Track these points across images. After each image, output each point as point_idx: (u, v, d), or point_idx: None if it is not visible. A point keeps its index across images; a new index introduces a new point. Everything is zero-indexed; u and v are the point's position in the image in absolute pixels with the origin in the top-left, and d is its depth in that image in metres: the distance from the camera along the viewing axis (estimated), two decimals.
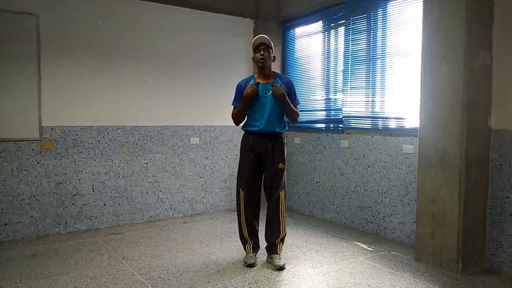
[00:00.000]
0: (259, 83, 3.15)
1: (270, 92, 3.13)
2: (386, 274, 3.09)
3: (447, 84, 3.11)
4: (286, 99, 3.13)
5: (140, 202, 4.52)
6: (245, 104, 3.15)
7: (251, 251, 3.31)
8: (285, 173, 3.31)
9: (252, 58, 3.23)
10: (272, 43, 3.18)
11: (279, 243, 3.32)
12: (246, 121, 3.28)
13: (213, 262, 3.33)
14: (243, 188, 3.26)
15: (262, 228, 3.42)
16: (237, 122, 3.30)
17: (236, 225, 3.41)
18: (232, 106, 3.30)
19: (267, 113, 3.14)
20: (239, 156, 3.37)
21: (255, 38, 3.19)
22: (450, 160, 3.10)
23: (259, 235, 3.39)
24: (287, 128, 3.33)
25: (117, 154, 4.36)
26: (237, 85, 3.27)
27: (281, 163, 3.23)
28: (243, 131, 3.32)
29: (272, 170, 3.22)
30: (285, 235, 3.35)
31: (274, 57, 3.22)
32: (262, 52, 3.12)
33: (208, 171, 4.96)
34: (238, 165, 3.37)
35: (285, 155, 3.31)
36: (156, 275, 3.04)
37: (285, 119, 3.29)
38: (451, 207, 3.10)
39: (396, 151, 3.85)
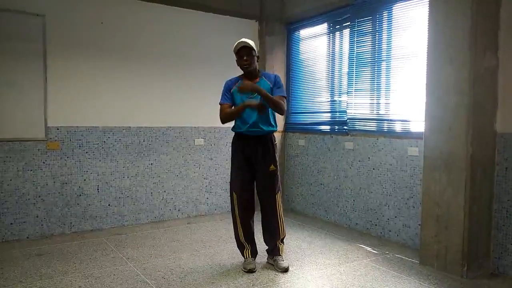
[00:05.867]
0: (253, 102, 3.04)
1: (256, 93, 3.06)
2: (390, 277, 3.08)
3: (452, 86, 3.10)
4: (263, 92, 3.00)
5: (145, 203, 4.53)
6: (241, 111, 3.09)
7: (250, 256, 3.25)
8: (278, 175, 3.24)
9: (236, 61, 3.16)
10: (253, 43, 3.12)
11: (280, 244, 3.29)
12: (234, 122, 3.23)
13: (217, 263, 3.33)
14: (236, 191, 3.22)
15: (256, 231, 3.35)
16: (224, 121, 3.19)
17: None
18: (219, 105, 3.21)
19: (256, 114, 3.10)
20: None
21: (236, 43, 3.11)
22: (455, 162, 3.09)
23: (255, 240, 3.33)
24: (276, 129, 3.25)
25: (122, 154, 4.38)
26: (225, 84, 3.23)
27: (272, 165, 3.19)
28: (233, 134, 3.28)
29: (263, 172, 3.18)
30: (285, 236, 3.32)
31: (258, 56, 3.18)
32: (245, 58, 3.08)
33: (213, 172, 4.97)
34: (230, 169, 3.32)
35: (277, 157, 3.24)
36: (161, 275, 3.05)
37: (273, 118, 3.22)
38: (456, 210, 3.09)
39: (401, 154, 3.84)
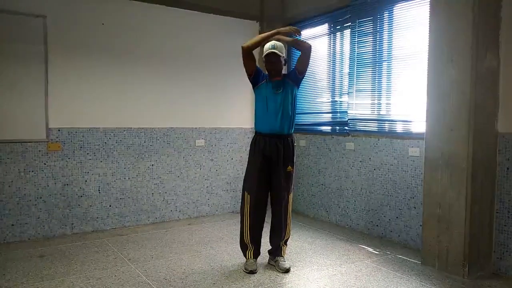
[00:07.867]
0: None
1: (282, 89, 3.13)
2: (392, 277, 3.08)
3: (453, 87, 3.10)
4: (296, 42, 3.17)
5: (146, 204, 4.53)
6: (262, 39, 3.10)
7: (252, 257, 3.23)
8: (293, 175, 3.28)
9: (263, 62, 3.21)
10: (283, 47, 3.16)
11: (283, 245, 3.30)
12: (257, 121, 3.23)
13: (218, 264, 3.33)
14: (250, 191, 3.20)
15: (263, 232, 3.35)
16: (249, 46, 3.07)
17: None
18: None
19: (280, 113, 3.13)
20: (247, 158, 3.32)
21: (266, 46, 3.14)
22: (457, 163, 3.09)
23: (261, 241, 3.32)
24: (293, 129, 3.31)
25: (123, 155, 4.38)
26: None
27: (289, 166, 3.21)
28: (254, 132, 3.28)
29: (281, 173, 3.17)
30: (289, 237, 3.34)
31: (285, 60, 3.22)
32: (272, 63, 3.12)
33: (213, 173, 4.97)
34: (246, 167, 3.31)
35: (295, 158, 3.28)
36: (162, 276, 3.05)
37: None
38: (458, 211, 3.08)
39: (402, 154, 3.84)
